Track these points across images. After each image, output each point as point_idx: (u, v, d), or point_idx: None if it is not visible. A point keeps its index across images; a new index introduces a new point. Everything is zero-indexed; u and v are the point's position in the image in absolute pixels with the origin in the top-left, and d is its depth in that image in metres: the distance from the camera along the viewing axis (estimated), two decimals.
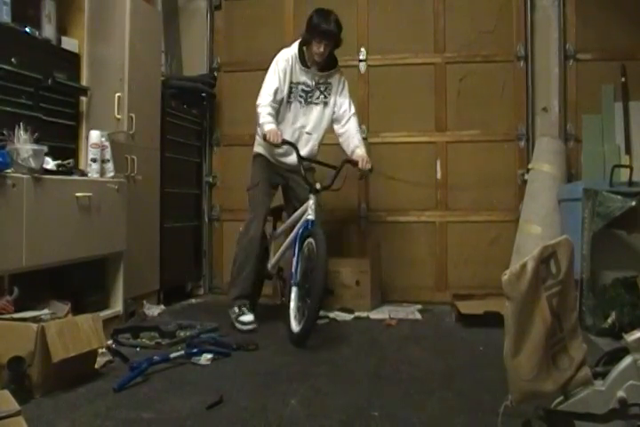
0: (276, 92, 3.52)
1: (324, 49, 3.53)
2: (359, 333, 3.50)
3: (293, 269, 3.35)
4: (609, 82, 4.30)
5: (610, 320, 3.20)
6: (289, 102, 3.61)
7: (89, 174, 3.21)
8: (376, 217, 4.63)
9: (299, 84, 3.61)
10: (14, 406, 1.70)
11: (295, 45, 3.63)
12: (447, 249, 4.51)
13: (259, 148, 3.75)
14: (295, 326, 3.16)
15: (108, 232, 3.25)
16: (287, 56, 3.60)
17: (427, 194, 4.56)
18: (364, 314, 3.95)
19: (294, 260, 3.38)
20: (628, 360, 1.59)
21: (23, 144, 2.68)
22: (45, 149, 2.79)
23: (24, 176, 2.62)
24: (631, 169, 3.69)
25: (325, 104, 3.70)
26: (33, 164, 2.67)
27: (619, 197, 3.37)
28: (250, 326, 3.42)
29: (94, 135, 3.27)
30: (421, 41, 4.59)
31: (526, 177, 4.31)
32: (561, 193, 4.02)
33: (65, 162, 3.05)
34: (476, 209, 4.50)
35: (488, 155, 4.49)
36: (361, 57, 4.65)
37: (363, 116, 4.62)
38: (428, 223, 4.56)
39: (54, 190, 2.82)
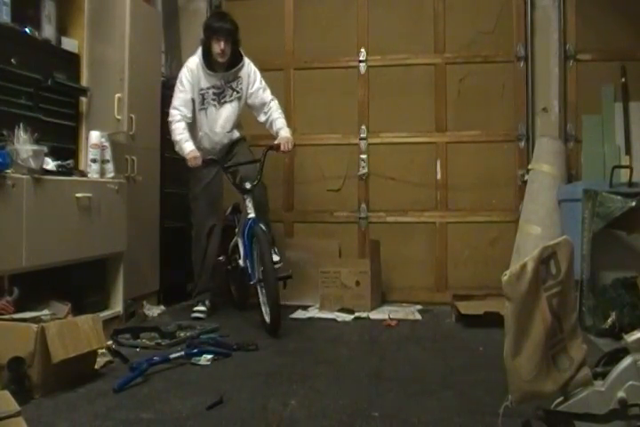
0: (186, 104, 3.66)
1: (224, 46, 3.62)
2: (359, 333, 3.50)
3: (250, 271, 3.52)
4: (609, 82, 4.30)
5: (610, 321, 3.20)
6: (203, 109, 3.74)
7: (89, 175, 3.22)
8: (376, 217, 4.63)
9: (209, 88, 3.72)
10: (14, 406, 1.70)
11: (199, 52, 3.72)
12: (447, 249, 4.51)
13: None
14: (267, 319, 3.35)
15: (107, 233, 3.25)
16: (192, 66, 3.69)
17: (427, 194, 4.55)
18: (364, 314, 3.95)
19: (247, 260, 3.55)
20: (627, 361, 1.59)
21: (23, 145, 2.69)
22: (45, 149, 2.80)
23: (24, 177, 2.62)
24: (631, 170, 3.68)
25: (239, 99, 3.80)
26: (33, 164, 2.67)
27: (619, 197, 3.36)
28: (198, 315, 3.78)
29: (94, 136, 3.27)
30: (421, 41, 4.59)
31: (526, 177, 4.31)
32: (561, 193, 4.01)
33: (65, 162, 3.05)
34: (476, 209, 4.50)
35: (488, 155, 4.49)
36: (361, 58, 4.65)
37: (363, 117, 4.64)
38: (428, 224, 4.55)
39: (54, 191, 2.82)
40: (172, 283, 4.26)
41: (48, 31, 3.24)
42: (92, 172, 3.24)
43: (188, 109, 3.68)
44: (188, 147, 3.57)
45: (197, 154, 3.56)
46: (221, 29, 3.60)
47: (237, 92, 3.77)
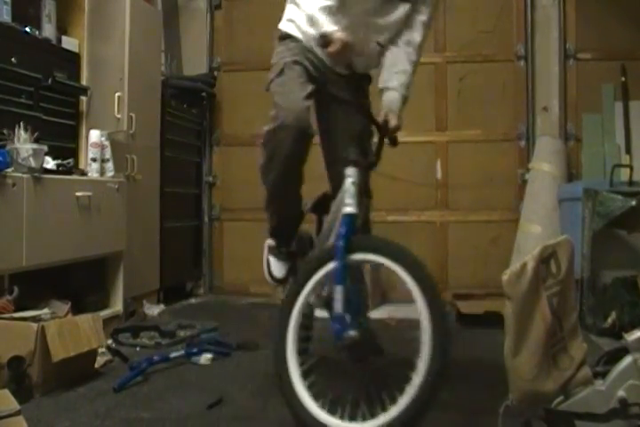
0: None
1: None
2: None
3: (348, 319, 1.98)
4: (609, 81, 4.30)
5: (610, 320, 3.20)
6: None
7: (89, 174, 3.22)
8: (376, 216, 4.58)
9: None
10: (14, 405, 1.70)
11: None
12: (447, 249, 4.51)
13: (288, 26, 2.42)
14: None
15: (107, 232, 3.25)
16: None
17: (427, 193, 4.55)
18: None
19: (337, 295, 1.98)
20: (628, 360, 1.59)
21: (23, 144, 2.69)
22: (45, 148, 2.79)
23: (24, 176, 2.62)
24: (631, 169, 3.69)
25: None
26: (33, 163, 2.67)
27: (619, 196, 3.36)
28: (274, 282, 2.48)
29: (94, 135, 3.27)
30: None
31: (526, 177, 4.31)
32: (561, 193, 4.01)
33: (65, 161, 3.05)
34: (477, 209, 4.50)
35: (488, 154, 4.49)
36: None
37: None
38: (429, 223, 4.55)
39: (54, 190, 2.82)
40: (171, 282, 4.26)
41: (48, 30, 3.24)
42: (92, 171, 3.23)
43: None
44: (328, 26, 2.07)
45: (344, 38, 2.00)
46: None
47: None
